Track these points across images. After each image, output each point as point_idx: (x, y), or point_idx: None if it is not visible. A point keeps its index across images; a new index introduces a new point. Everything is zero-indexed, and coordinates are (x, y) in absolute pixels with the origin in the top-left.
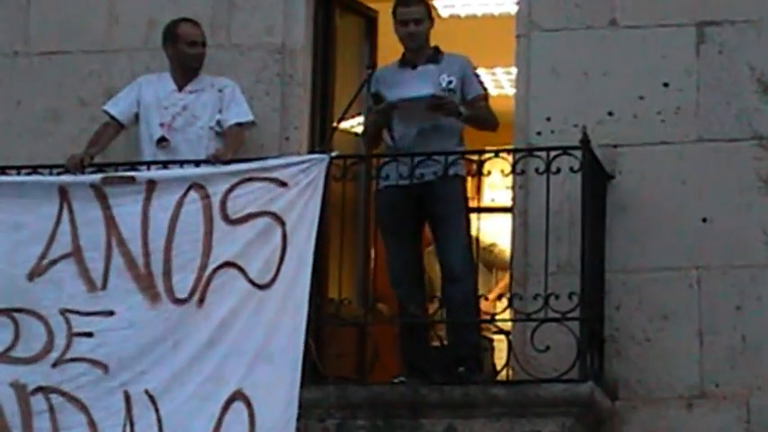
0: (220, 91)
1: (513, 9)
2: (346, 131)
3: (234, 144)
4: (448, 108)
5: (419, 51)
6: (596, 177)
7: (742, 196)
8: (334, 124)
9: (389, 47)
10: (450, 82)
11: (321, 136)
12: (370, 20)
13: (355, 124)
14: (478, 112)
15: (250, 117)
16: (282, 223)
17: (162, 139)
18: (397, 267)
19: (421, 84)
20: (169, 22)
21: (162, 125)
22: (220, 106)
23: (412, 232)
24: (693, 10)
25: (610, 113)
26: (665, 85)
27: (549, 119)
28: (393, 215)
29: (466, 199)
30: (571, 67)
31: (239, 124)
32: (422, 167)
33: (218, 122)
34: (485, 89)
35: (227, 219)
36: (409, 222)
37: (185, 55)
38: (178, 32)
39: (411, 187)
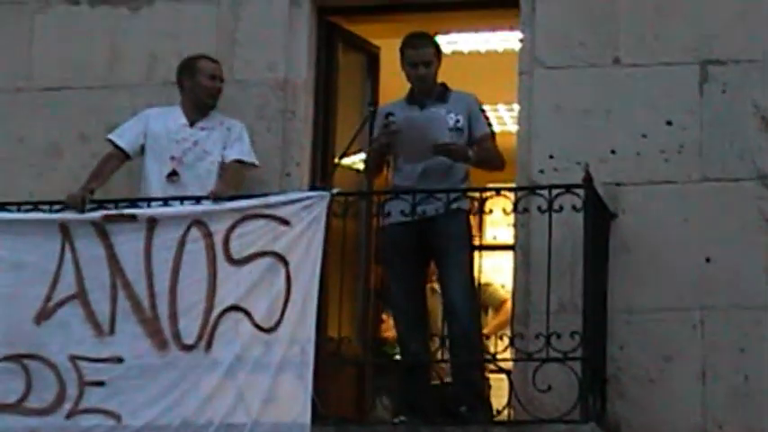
0: (229, 129)
1: (517, 46)
2: (348, 168)
3: (232, 180)
4: (455, 154)
5: (427, 90)
6: (599, 216)
7: (746, 236)
8: (336, 161)
9: (392, 83)
10: (457, 121)
11: (323, 172)
12: (372, 56)
13: (357, 161)
14: (485, 154)
15: (253, 159)
16: (286, 263)
17: (172, 173)
18: (400, 305)
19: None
20: (187, 57)
21: (173, 158)
22: (226, 143)
23: (415, 270)
24: (697, 49)
25: (613, 152)
26: (669, 123)
27: (551, 156)
28: (396, 252)
29: (470, 234)
30: (574, 105)
31: (240, 162)
32: (424, 204)
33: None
34: (491, 128)
35: (230, 259)
36: (412, 259)
37: (203, 88)
38: (198, 66)
39: (413, 224)
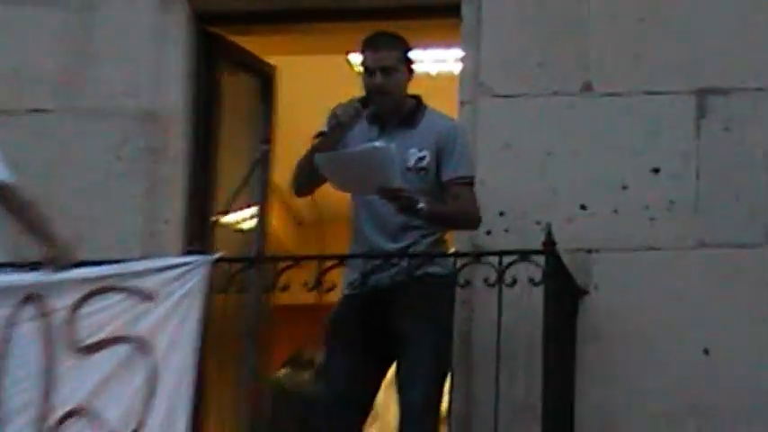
0: None
1: (456, 67)
2: (232, 227)
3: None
4: (401, 204)
5: (391, 109)
6: (564, 292)
7: (755, 320)
8: (217, 216)
9: (293, 114)
10: (420, 159)
11: (200, 231)
12: (267, 78)
13: (245, 217)
14: (447, 209)
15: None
16: (149, 351)
17: None
18: (334, 382)
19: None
20: None
21: None
22: None
23: (366, 357)
24: (693, 73)
25: (582, 207)
26: (655, 170)
27: (501, 213)
28: (338, 334)
29: (441, 310)
30: (532, 146)
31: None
32: (376, 271)
33: None
34: (467, 169)
35: (74, 346)
36: (360, 346)
37: None
38: None
39: (363, 297)
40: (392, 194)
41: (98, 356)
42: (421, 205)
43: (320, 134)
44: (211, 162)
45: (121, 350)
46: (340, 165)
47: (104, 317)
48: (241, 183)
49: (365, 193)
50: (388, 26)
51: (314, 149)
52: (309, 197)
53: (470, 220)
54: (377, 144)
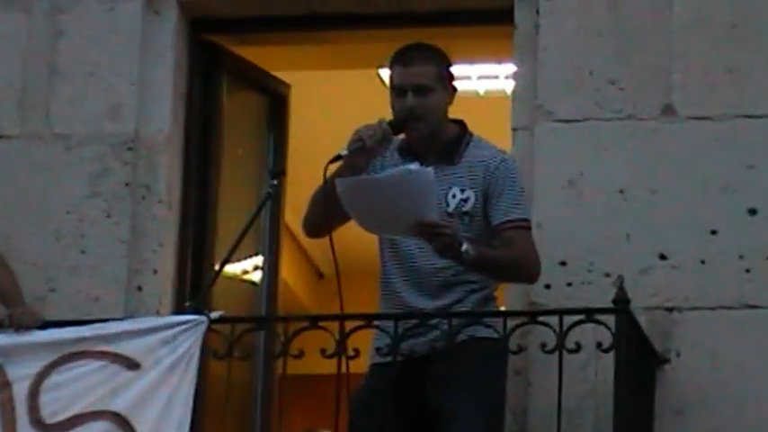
0: None
1: (508, 86)
2: (236, 279)
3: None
4: (442, 243)
5: (427, 138)
6: (639, 360)
7: None
8: (217, 266)
9: (310, 140)
10: (464, 201)
11: (195, 285)
12: (278, 98)
13: (252, 268)
14: (498, 254)
15: None
16: (132, 430)
17: None
18: None
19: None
20: None
21: None
22: None
23: None
24: None
25: (662, 256)
26: (752, 212)
27: (563, 263)
28: (364, 412)
29: (491, 381)
30: (601, 181)
31: None
32: (411, 335)
33: None
34: (524, 213)
35: (39, 424)
36: (388, 425)
37: None
38: None
39: (396, 366)
40: (431, 230)
41: None
42: (465, 247)
43: (337, 158)
44: (210, 200)
45: (96, 430)
46: (366, 193)
47: (76, 389)
48: (246, 225)
49: (396, 233)
50: (424, 35)
51: (331, 178)
52: (326, 240)
53: (527, 270)
54: (412, 167)
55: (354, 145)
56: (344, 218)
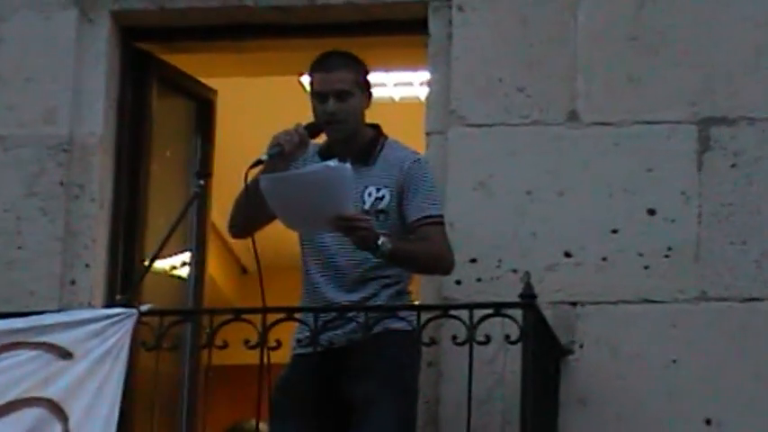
0: None
1: (422, 92)
2: (164, 274)
3: None
4: (359, 236)
5: (345, 140)
6: (545, 352)
7: (765, 384)
8: (146, 262)
9: (234, 144)
10: (379, 199)
11: (125, 280)
12: (205, 103)
13: (179, 263)
14: (414, 247)
15: None
16: (64, 418)
17: None
18: None
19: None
20: None
21: None
22: None
23: (312, 426)
24: (695, 100)
25: (567, 254)
26: (651, 212)
27: (473, 260)
28: (285, 400)
29: (406, 368)
30: (509, 183)
31: None
32: (330, 328)
33: None
34: (436, 208)
35: None
36: (308, 412)
37: None
38: None
39: (315, 356)
40: (348, 224)
41: (1, 424)
42: (382, 240)
43: (257, 163)
44: (140, 199)
45: (30, 416)
46: (288, 189)
47: (11, 377)
48: (174, 223)
49: (317, 227)
50: (343, 44)
51: (252, 182)
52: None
53: (442, 263)
54: (331, 163)
55: (273, 150)
56: (267, 219)
